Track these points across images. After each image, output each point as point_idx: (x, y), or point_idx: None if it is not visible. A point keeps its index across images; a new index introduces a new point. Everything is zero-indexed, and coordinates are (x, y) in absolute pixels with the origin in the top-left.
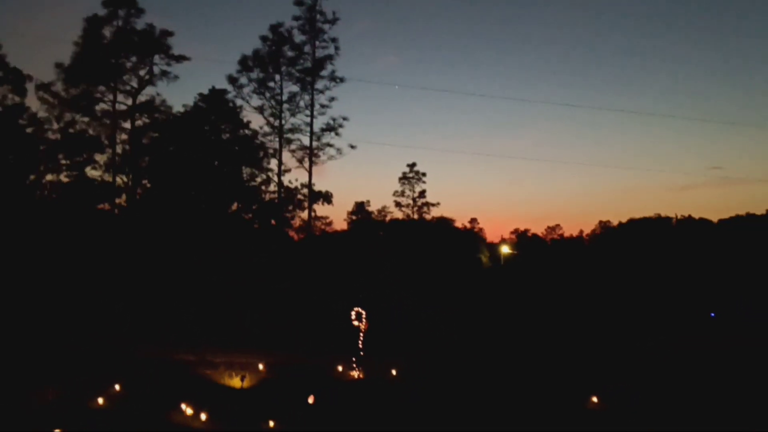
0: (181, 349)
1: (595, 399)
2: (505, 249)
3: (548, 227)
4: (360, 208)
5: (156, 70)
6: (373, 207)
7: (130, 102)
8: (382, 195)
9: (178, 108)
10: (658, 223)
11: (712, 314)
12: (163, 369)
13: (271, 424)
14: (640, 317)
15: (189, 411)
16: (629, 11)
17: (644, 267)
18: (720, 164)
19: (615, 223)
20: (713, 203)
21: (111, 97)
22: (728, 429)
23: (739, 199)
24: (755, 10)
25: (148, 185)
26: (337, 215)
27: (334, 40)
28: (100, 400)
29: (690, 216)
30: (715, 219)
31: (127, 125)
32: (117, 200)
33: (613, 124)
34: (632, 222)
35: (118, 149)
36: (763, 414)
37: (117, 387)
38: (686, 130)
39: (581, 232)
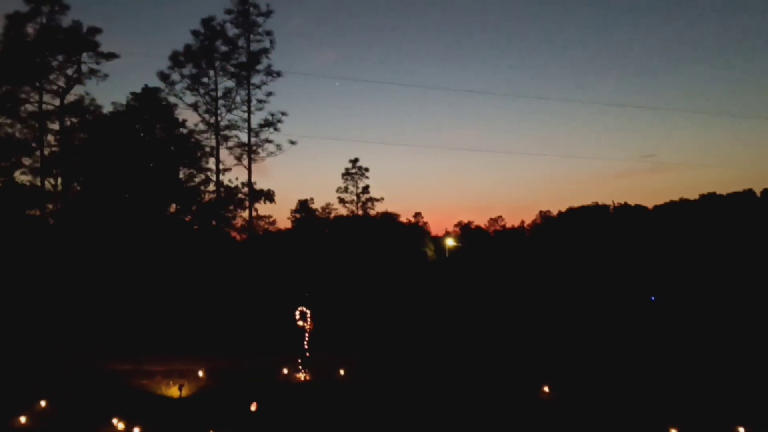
0: (116, 358)
1: (546, 389)
2: (449, 242)
3: (491, 219)
4: (303, 206)
5: (84, 68)
6: (318, 204)
7: (57, 102)
8: (326, 191)
9: (110, 107)
10: (596, 211)
11: (653, 298)
12: (95, 380)
13: None
14: (583, 305)
15: (121, 426)
16: (565, 2)
17: (584, 255)
18: (653, 151)
19: (554, 212)
20: (648, 189)
21: (37, 97)
22: (674, 412)
23: (673, 184)
24: None
25: (80, 188)
26: (280, 214)
27: (269, 33)
28: (23, 419)
29: (626, 203)
30: (650, 205)
31: (56, 126)
32: (48, 205)
33: (551, 115)
34: (571, 211)
35: (47, 152)
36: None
37: (43, 403)
38: (620, 118)
39: (523, 222)
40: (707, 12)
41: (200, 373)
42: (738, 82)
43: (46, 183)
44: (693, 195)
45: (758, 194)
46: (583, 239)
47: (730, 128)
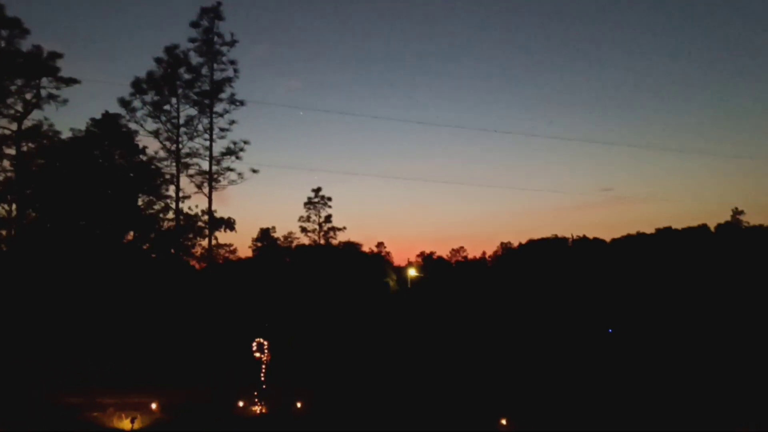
0: (70, 391)
1: (504, 421)
2: (411, 272)
3: (453, 249)
4: (265, 234)
5: (43, 93)
6: (279, 233)
7: (15, 127)
8: (288, 220)
9: (68, 133)
10: (556, 243)
11: (610, 330)
12: (47, 414)
13: None
14: (543, 337)
15: None
16: (525, 37)
17: (544, 287)
18: (611, 185)
19: (515, 243)
20: (606, 222)
21: None
22: None
23: (630, 218)
24: (642, 30)
25: (35, 215)
26: (242, 242)
27: (233, 62)
28: None
29: (584, 236)
30: (607, 238)
31: (12, 151)
32: (2, 231)
33: (512, 148)
34: (531, 243)
35: (2, 177)
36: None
37: None
38: (579, 152)
39: (484, 253)
40: (665, 49)
41: (154, 406)
42: (695, 119)
43: (0, 209)
44: (650, 229)
45: (712, 229)
46: (542, 271)
47: (686, 164)
